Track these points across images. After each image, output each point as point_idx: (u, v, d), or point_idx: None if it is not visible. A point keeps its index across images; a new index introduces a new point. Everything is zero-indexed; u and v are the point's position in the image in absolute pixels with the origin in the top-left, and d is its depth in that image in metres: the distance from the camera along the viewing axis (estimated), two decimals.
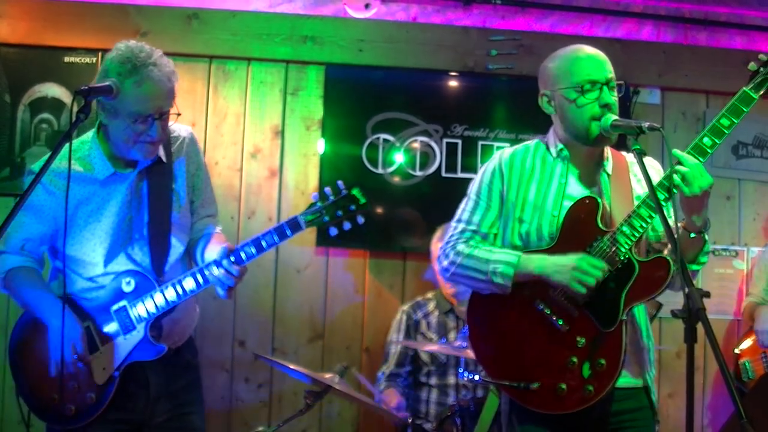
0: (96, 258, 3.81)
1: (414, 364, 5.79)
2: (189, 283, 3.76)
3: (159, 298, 3.75)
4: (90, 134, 3.89)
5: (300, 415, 4.77)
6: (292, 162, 6.31)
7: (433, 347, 5.45)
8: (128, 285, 3.78)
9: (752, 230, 6.71)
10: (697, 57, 6.68)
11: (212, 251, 3.84)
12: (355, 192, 3.69)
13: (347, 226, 3.72)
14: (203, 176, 4.18)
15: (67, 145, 3.45)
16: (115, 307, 3.78)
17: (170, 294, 3.76)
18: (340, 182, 3.71)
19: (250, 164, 6.29)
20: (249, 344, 6.20)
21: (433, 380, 5.65)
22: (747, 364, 6.02)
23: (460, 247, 3.73)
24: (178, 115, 3.78)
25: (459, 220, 3.83)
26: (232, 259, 3.70)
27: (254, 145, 6.30)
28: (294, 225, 3.70)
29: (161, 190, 3.91)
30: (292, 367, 4.84)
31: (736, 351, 6.12)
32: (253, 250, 3.72)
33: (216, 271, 3.71)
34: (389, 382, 5.75)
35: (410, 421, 5.20)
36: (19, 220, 3.73)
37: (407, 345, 5.73)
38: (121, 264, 3.83)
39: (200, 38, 6.22)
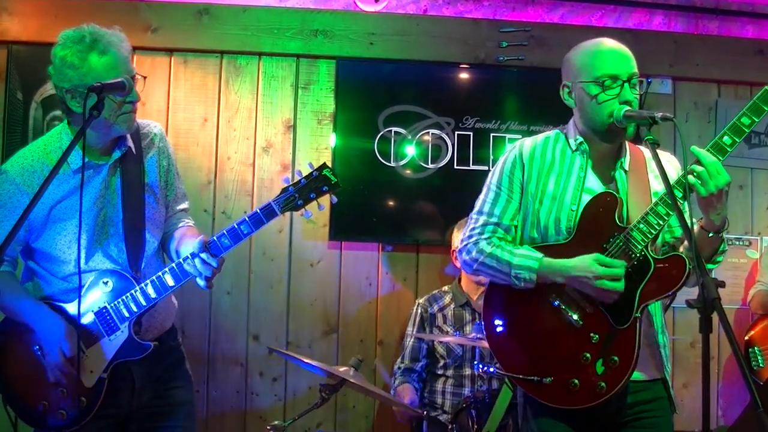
0: (71, 255, 3.76)
1: (430, 358, 5.80)
2: (168, 279, 3.74)
3: (140, 297, 3.73)
4: (58, 128, 3.85)
5: (315, 409, 4.77)
6: (305, 156, 6.31)
7: (448, 338, 5.46)
8: (106, 285, 3.76)
9: (765, 219, 6.70)
10: (708, 46, 6.65)
11: (188, 245, 3.83)
12: (326, 172, 3.70)
13: (321, 207, 3.75)
14: (175, 171, 4.17)
15: (79, 143, 3.46)
16: (95, 308, 3.75)
17: (151, 291, 3.74)
18: (310, 163, 3.73)
19: (263, 159, 6.30)
20: (263, 338, 6.21)
21: (450, 372, 5.65)
22: (757, 350, 6.01)
23: (482, 244, 3.72)
24: (145, 77, 3.79)
25: (480, 212, 3.80)
26: (210, 250, 3.69)
27: (266, 139, 6.31)
28: (269, 212, 3.69)
29: (134, 185, 3.90)
30: (306, 360, 4.84)
31: (746, 338, 6.10)
32: (230, 241, 3.71)
33: (194, 264, 3.69)
34: (404, 377, 5.77)
35: (425, 414, 5.20)
36: None
37: (423, 337, 5.73)
38: (98, 262, 3.81)
39: (211, 33, 6.22)
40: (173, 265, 3.77)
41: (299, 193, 3.68)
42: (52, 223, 3.75)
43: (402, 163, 6.31)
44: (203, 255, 3.67)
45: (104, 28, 3.69)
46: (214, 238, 3.71)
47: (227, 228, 3.71)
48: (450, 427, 5.13)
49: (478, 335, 5.11)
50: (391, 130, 6.29)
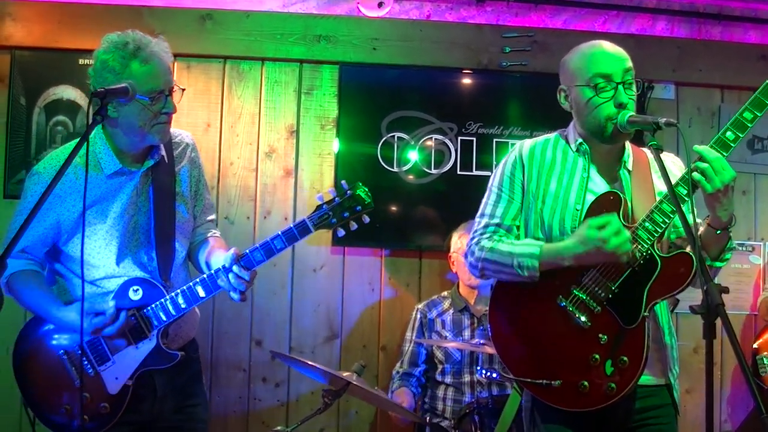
0: (101, 260, 3.78)
1: (429, 363, 5.80)
2: (199, 291, 3.75)
3: (170, 306, 3.74)
4: (94, 132, 3.82)
5: (318, 414, 4.77)
6: (307, 161, 6.32)
7: (450, 343, 5.46)
8: (136, 293, 3.76)
9: None
10: (711, 52, 6.65)
11: (218, 257, 3.83)
12: (360, 192, 3.70)
13: (354, 226, 3.73)
14: (204, 182, 4.21)
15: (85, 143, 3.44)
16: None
17: (181, 301, 3.75)
18: (344, 182, 3.73)
19: (266, 164, 6.30)
20: (266, 344, 6.21)
21: (449, 379, 5.65)
22: (765, 359, 6.00)
23: (483, 242, 3.73)
24: (183, 90, 3.83)
25: (482, 215, 3.82)
26: (242, 264, 3.69)
27: (269, 144, 6.31)
28: (303, 228, 3.71)
29: (166, 193, 3.92)
30: (310, 363, 4.84)
31: (755, 346, 6.10)
32: (262, 255, 3.72)
33: (227, 278, 3.70)
34: (402, 382, 5.77)
35: (428, 420, 5.20)
36: (19, 223, 3.75)
37: (423, 342, 5.74)
38: (128, 269, 3.82)
39: (214, 39, 6.23)
40: (205, 276, 3.78)
41: (333, 212, 3.69)
42: (81, 227, 3.74)
43: (405, 168, 6.31)
44: (235, 268, 3.68)
45: (148, 36, 3.70)
46: (247, 251, 3.72)
47: (261, 242, 3.73)
48: None
49: (481, 341, 5.11)
50: (394, 136, 6.29)
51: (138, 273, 3.82)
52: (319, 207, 3.71)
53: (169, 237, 3.91)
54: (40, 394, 3.83)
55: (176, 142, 4.06)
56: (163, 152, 3.91)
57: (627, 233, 3.38)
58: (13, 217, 3.84)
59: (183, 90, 3.83)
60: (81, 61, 6.11)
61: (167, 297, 3.75)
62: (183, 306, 3.75)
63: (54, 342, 3.81)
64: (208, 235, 4.18)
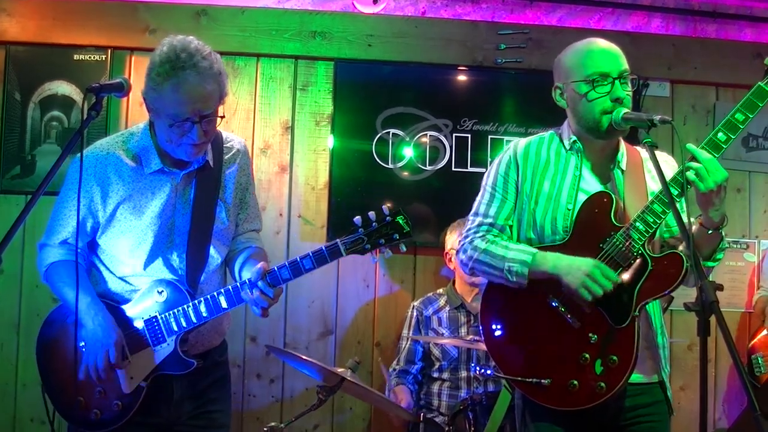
0: (132, 257, 3.75)
1: (425, 360, 5.80)
2: (222, 301, 3.70)
3: (191, 313, 3.69)
4: (141, 126, 3.83)
5: (312, 410, 4.76)
6: (302, 158, 6.32)
7: (445, 340, 5.47)
8: (161, 295, 3.72)
9: (763, 222, 6.71)
10: (706, 49, 6.67)
11: (249, 269, 3.73)
12: (400, 219, 3.56)
13: (388, 254, 3.63)
14: (252, 190, 4.11)
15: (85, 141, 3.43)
16: (146, 316, 3.72)
17: (203, 310, 3.69)
18: (385, 208, 3.57)
19: (261, 160, 6.30)
20: (260, 340, 6.21)
21: (445, 375, 5.65)
22: (760, 358, 6.01)
23: (477, 242, 3.73)
24: (222, 117, 3.68)
25: (476, 213, 3.82)
26: (268, 280, 3.62)
27: (264, 140, 6.31)
28: (334, 251, 3.59)
29: (208, 197, 3.84)
30: (304, 358, 4.83)
31: (749, 345, 6.11)
32: (289, 274, 3.64)
33: (251, 293, 3.63)
34: (399, 379, 5.77)
35: (422, 416, 5.20)
36: (61, 212, 3.76)
37: (419, 339, 5.74)
38: (157, 269, 3.78)
39: (209, 35, 6.19)
40: (230, 287, 3.72)
41: (368, 237, 3.56)
42: (117, 221, 3.73)
43: (400, 165, 6.31)
44: (260, 284, 3.60)
45: (201, 56, 3.55)
46: (275, 268, 3.64)
47: (289, 260, 3.64)
48: (447, 429, 5.13)
49: (476, 337, 5.11)
50: (389, 132, 6.30)
51: (167, 275, 3.78)
52: (354, 230, 3.58)
53: (204, 242, 3.83)
54: (58, 382, 3.81)
55: (227, 147, 3.97)
56: (209, 157, 3.83)
57: (600, 291, 3.39)
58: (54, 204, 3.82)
59: (222, 117, 3.69)
60: (76, 57, 6.12)
61: (190, 303, 3.70)
62: (204, 315, 3.69)
63: (75, 332, 3.77)
64: (248, 245, 4.06)
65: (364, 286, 6.34)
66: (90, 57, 6.15)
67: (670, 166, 3.68)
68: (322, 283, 6.31)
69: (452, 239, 5.79)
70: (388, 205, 3.62)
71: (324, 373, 4.81)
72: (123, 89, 3.47)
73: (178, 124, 3.52)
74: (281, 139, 6.32)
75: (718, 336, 2.60)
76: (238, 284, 3.71)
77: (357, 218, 3.58)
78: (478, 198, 3.86)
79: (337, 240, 3.59)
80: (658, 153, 3.33)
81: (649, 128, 3.32)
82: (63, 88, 6.13)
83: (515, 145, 3.82)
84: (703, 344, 2.70)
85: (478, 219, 3.80)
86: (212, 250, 3.87)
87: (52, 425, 3.79)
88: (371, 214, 3.56)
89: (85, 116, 3.29)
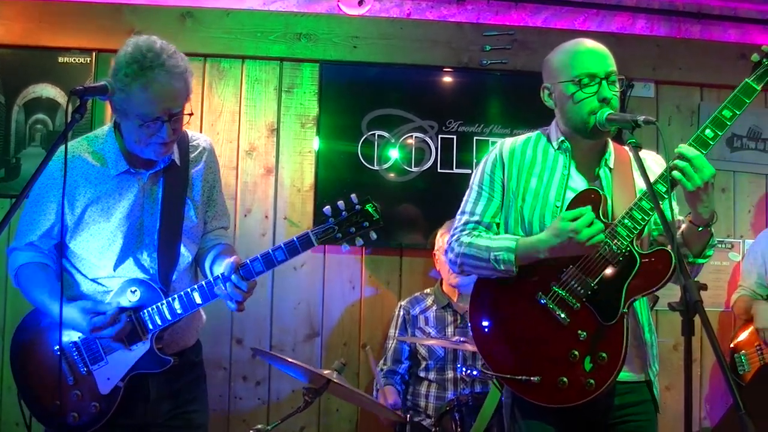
0: (103, 259, 3.76)
1: (413, 360, 5.81)
2: (196, 297, 3.71)
3: (166, 311, 3.70)
4: (106, 128, 3.84)
5: (298, 412, 4.76)
6: (288, 160, 6.32)
7: (431, 341, 5.47)
8: (134, 294, 3.72)
9: (747, 222, 6.73)
10: (690, 50, 6.68)
11: (221, 265, 3.75)
12: (369, 207, 3.63)
13: (360, 242, 3.67)
14: (219, 188, 4.14)
15: (63, 145, 3.41)
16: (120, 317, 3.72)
17: (177, 307, 3.70)
18: (353, 196, 3.64)
19: (246, 162, 6.30)
20: (247, 342, 6.20)
21: (432, 375, 5.66)
22: (743, 357, 6.03)
23: (463, 238, 3.75)
24: (190, 115, 3.75)
25: (463, 212, 3.85)
26: (241, 273, 3.64)
27: (249, 143, 6.31)
28: (305, 241, 3.62)
29: (176, 196, 3.86)
30: (290, 360, 4.83)
31: (732, 345, 6.12)
32: (262, 266, 3.66)
33: (225, 287, 3.65)
34: (387, 380, 5.78)
35: (409, 418, 5.21)
36: (28, 215, 3.76)
37: (404, 340, 5.75)
38: (128, 269, 3.79)
39: (194, 37, 6.21)
40: (203, 283, 3.74)
41: (339, 226, 3.61)
42: (86, 224, 3.73)
43: (385, 166, 6.32)
44: (234, 278, 3.62)
45: (167, 55, 3.56)
46: (248, 261, 3.66)
47: (261, 253, 3.67)
48: (434, 430, 5.14)
49: (462, 338, 5.12)
50: (374, 134, 6.30)
51: (138, 275, 3.79)
52: (324, 220, 3.63)
53: (174, 241, 3.85)
54: (34, 388, 3.80)
55: (193, 146, 4.01)
56: (176, 156, 3.86)
57: (600, 224, 3.40)
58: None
59: (190, 115, 3.77)
60: (61, 60, 6.11)
61: (164, 301, 3.70)
62: (179, 311, 3.70)
63: (49, 336, 3.77)
64: (217, 242, 4.10)
65: (350, 287, 6.34)
66: (75, 59, 6.13)
67: (658, 163, 3.71)
68: (308, 284, 6.30)
69: (438, 240, 5.80)
70: (356, 194, 3.66)
71: (310, 375, 4.81)
72: (107, 92, 3.47)
73: (148, 123, 3.55)
74: (267, 141, 6.32)
75: (703, 335, 2.61)
76: (211, 279, 3.73)
77: (326, 208, 3.63)
78: (465, 196, 3.88)
79: (308, 231, 3.64)
80: (646, 152, 3.35)
81: (633, 129, 3.33)
82: (48, 90, 6.11)
83: (501, 144, 3.84)
84: (688, 344, 2.71)
85: (465, 217, 3.82)
86: (183, 249, 3.89)
87: (29, 430, 3.78)
88: (340, 203, 3.62)
89: (69, 119, 3.29)
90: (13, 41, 6.11)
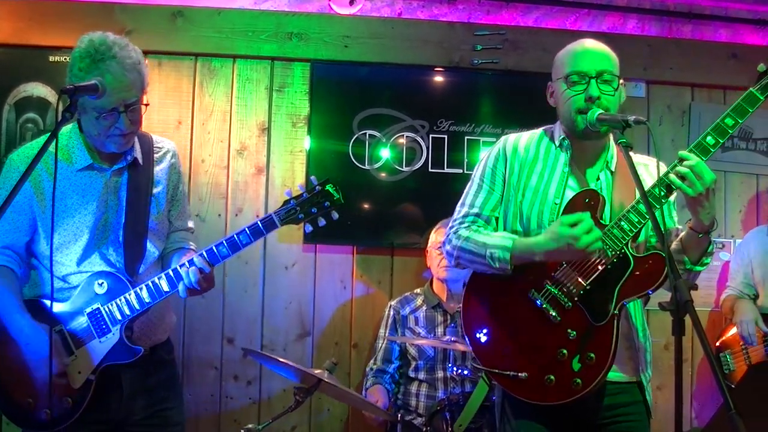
0: (69, 256, 3.79)
1: (403, 359, 5.81)
2: (163, 285, 3.75)
3: (134, 300, 3.74)
4: (70, 126, 3.87)
5: (290, 412, 4.76)
6: (279, 159, 6.32)
7: (421, 341, 5.47)
8: (101, 287, 3.76)
9: (738, 222, 6.74)
10: (682, 50, 6.68)
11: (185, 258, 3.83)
12: (329, 188, 3.72)
13: (322, 222, 3.76)
14: (183, 189, 4.23)
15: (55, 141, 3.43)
16: (88, 309, 3.76)
17: (145, 296, 3.75)
18: (313, 178, 3.75)
19: (237, 161, 6.29)
20: (238, 342, 6.20)
21: (422, 375, 5.66)
22: (728, 356, 6.04)
23: (461, 231, 3.75)
24: (146, 105, 3.80)
25: (462, 204, 3.86)
26: (207, 259, 3.72)
27: (240, 142, 6.30)
28: (269, 223, 3.73)
29: (140, 193, 3.91)
30: (281, 360, 4.83)
31: (717, 344, 6.13)
32: (227, 250, 3.74)
33: (188, 271, 3.71)
34: (376, 379, 5.78)
35: (400, 417, 5.20)
36: None
37: (394, 340, 5.75)
38: (94, 264, 3.82)
39: (185, 36, 6.21)
40: (170, 270, 3.78)
41: (300, 207, 3.71)
42: (50, 221, 3.72)
43: (377, 166, 6.31)
44: (196, 260, 3.70)
45: (121, 41, 3.68)
46: (213, 246, 3.74)
47: (226, 237, 3.76)
48: (425, 430, 5.14)
49: (452, 338, 5.12)
50: (365, 133, 6.29)
51: (105, 268, 3.82)
52: (286, 202, 3.74)
53: (140, 237, 3.90)
54: (4, 386, 3.81)
55: (157, 148, 4.08)
56: (138, 155, 3.91)
57: (599, 231, 3.39)
58: None
59: (146, 105, 3.80)
60: (51, 58, 6.09)
61: (131, 291, 3.75)
62: (147, 300, 3.76)
63: (19, 337, 3.76)
64: (182, 245, 4.17)
65: (341, 287, 6.33)
66: (66, 58, 5.99)
67: (650, 171, 3.69)
68: (299, 284, 6.29)
69: (432, 237, 5.81)
70: (315, 176, 3.80)
71: (301, 375, 4.81)
72: (97, 91, 3.51)
73: (105, 115, 3.61)
74: (258, 141, 6.31)
75: (694, 335, 2.61)
76: (178, 266, 3.77)
77: (288, 190, 3.75)
78: (466, 189, 3.89)
79: (271, 213, 3.74)
80: (642, 157, 3.34)
81: (624, 129, 3.33)
82: (39, 89, 6.10)
83: (505, 139, 3.86)
84: (678, 344, 2.71)
85: (464, 209, 3.83)
86: (149, 245, 3.95)
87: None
88: (300, 185, 3.76)
89: (59, 118, 3.30)
90: (4, 40, 6.09)
